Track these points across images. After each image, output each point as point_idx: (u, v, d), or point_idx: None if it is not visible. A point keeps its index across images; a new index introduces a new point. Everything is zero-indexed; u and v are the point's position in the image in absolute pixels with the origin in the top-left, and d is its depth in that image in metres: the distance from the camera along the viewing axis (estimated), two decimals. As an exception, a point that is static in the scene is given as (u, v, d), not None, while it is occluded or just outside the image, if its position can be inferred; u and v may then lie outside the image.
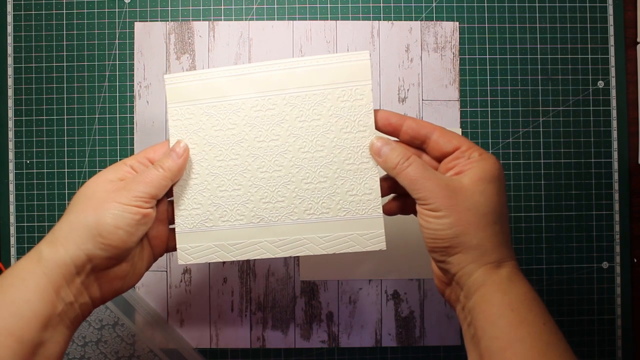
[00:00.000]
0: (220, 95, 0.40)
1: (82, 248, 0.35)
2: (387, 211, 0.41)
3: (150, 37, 0.53)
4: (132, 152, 0.53)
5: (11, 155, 0.53)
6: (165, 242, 0.41)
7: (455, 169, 0.37)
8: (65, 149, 0.53)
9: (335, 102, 0.39)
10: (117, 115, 0.53)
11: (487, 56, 0.54)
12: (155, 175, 0.38)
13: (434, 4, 0.54)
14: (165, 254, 0.51)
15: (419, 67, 0.54)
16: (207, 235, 0.40)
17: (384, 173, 0.39)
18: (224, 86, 0.40)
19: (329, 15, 0.53)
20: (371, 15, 0.54)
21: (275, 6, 0.53)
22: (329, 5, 0.53)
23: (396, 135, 0.39)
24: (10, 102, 0.53)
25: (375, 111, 0.39)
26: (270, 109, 0.39)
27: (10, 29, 0.53)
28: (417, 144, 0.39)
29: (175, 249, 0.40)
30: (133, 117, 0.53)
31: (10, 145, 0.53)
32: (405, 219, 0.53)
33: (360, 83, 0.39)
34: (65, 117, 0.53)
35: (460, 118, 0.53)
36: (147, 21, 0.53)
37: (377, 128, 0.39)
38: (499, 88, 0.54)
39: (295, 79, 0.39)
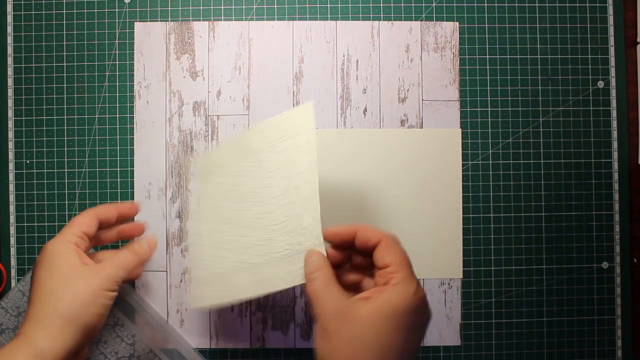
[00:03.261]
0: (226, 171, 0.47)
1: (76, 340, 0.38)
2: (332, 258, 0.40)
3: (150, 37, 0.53)
4: (132, 153, 0.53)
5: (11, 155, 0.53)
6: None
7: (367, 292, 0.36)
8: (65, 149, 0.53)
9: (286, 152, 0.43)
10: (117, 115, 0.53)
11: (487, 56, 0.54)
12: (130, 260, 0.43)
13: (434, 4, 0.54)
14: (166, 254, 0.52)
15: (419, 67, 0.54)
16: (214, 282, 0.46)
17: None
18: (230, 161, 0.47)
19: (329, 15, 0.53)
20: (371, 15, 0.54)
21: (275, 6, 0.53)
22: (329, 5, 0.54)
23: (351, 243, 0.39)
24: (10, 102, 0.53)
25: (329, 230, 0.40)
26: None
27: (10, 29, 0.53)
28: (369, 252, 0.38)
29: None
30: (133, 117, 0.53)
31: (10, 145, 0.53)
32: (404, 220, 0.53)
33: (306, 134, 0.42)
34: (65, 117, 0.53)
35: (460, 118, 0.53)
36: (147, 21, 0.53)
37: (331, 242, 0.40)
38: (499, 88, 0.54)
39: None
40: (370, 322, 0.33)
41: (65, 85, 0.53)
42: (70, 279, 0.39)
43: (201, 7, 0.53)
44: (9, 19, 0.53)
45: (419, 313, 0.35)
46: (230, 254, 0.45)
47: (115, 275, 0.41)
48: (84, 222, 0.43)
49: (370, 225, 0.39)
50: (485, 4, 0.54)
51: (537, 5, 0.54)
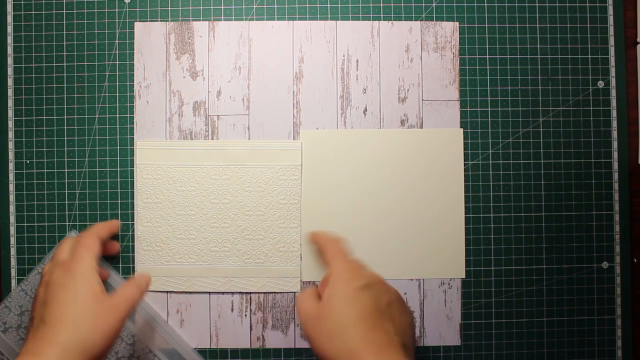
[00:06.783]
0: (193, 163, 0.52)
1: None
2: None
3: (150, 37, 0.53)
4: (132, 153, 0.53)
5: (11, 155, 0.53)
6: None
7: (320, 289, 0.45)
8: (65, 149, 0.53)
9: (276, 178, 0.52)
10: (117, 115, 0.53)
11: (487, 56, 0.54)
12: (137, 296, 0.45)
13: (434, 4, 0.54)
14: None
15: (419, 67, 0.54)
16: (163, 270, 0.51)
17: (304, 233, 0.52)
18: (197, 155, 0.52)
19: (329, 15, 0.53)
20: (371, 15, 0.54)
21: (275, 6, 0.53)
22: (329, 5, 0.54)
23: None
24: (10, 102, 0.53)
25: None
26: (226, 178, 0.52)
27: (10, 29, 0.53)
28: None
29: None
30: (133, 117, 0.53)
31: (10, 145, 0.53)
32: (404, 220, 0.53)
33: (295, 166, 0.52)
34: (65, 117, 0.53)
35: (460, 118, 0.53)
36: (147, 21, 0.53)
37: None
38: (499, 88, 0.54)
39: (252, 157, 0.52)
40: (330, 304, 0.41)
41: (65, 85, 0.53)
42: (95, 310, 0.42)
43: (201, 7, 0.53)
44: (9, 19, 0.53)
45: (357, 278, 0.43)
46: (194, 250, 0.51)
47: (128, 312, 0.44)
48: (96, 246, 0.46)
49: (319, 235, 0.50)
50: (485, 4, 0.54)
51: (537, 5, 0.54)
